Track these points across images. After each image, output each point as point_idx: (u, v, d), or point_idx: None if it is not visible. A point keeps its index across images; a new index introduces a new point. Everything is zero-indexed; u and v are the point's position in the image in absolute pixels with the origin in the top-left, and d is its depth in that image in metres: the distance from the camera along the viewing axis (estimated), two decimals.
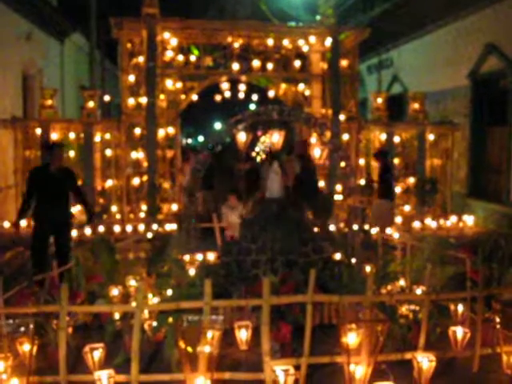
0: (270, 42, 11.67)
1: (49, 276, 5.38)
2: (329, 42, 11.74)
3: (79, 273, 5.50)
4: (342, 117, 11.65)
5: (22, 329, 4.48)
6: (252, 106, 20.49)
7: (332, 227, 9.78)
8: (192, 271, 5.98)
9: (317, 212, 9.37)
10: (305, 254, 6.32)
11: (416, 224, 11.33)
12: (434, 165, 12.32)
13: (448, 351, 4.85)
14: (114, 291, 5.46)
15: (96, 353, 4.44)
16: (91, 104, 11.37)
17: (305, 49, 11.95)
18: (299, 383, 4.28)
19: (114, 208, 11.30)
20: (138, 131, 11.29)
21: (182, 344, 4.07)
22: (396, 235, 8.75)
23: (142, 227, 10.55)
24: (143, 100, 11.16)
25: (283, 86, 12.18)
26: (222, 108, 19.69)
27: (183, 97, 11.59)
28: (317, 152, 11.31)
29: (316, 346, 4.54)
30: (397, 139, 12.17)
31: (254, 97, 12.19)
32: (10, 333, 4.49)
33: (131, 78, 11.31)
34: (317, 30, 11.82)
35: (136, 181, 11.29)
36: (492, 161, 12.46)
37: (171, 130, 11.55)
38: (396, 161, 12.20)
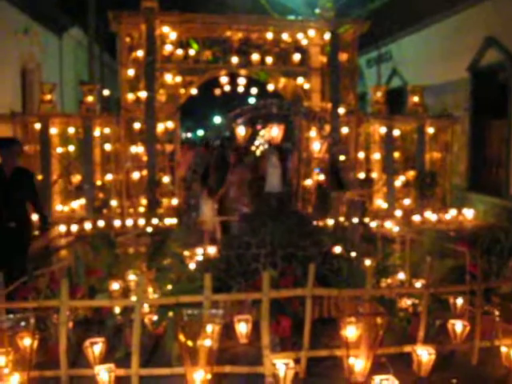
0: (270, 35, 11.67)
1: (48, 271, 5.39)
2: (328, 35, 11.75)
3: (79, 267, 5.50)
4: (341, 110, 11.65)
5: (23, 323, 4.48)
6: (251, 100, 20.45)
7: (331, 220, 9.74)
8: (192, 265, 5.99)
9: (316, 206, 9.39)
10: (304, 247, 6.25)
11: (416, 217, 11.35)
12: (433, 158, 12.35)
13: (447, 344, 4.85)
14: (115, 285, 5.45)
15: (96, 347, 4.43)
16: (90, 98, 11.38)
17: (304, 42, 11.94)
18: (299, 376, 4.31)
19: (113, 202, 11.30)
20: (137, 125, 11.29)
21: (182, 338, 4.08)
22: (395, 228, 8.77)
23: (142, 221, 10.57)
24: (142, 94, 11.17)
25: (282, 79, 12.20)
26: (221, 102, 19.68)
27: (182, 91, 11.59)
28: (316, 146, 11.31)
29: (316, 339, 4.54)
30: (396, 132, 12.17)
31: (254, 91, 12.19)
32: (10, 327, 4.50)
33: (130, 73, 11.30)
34: (316, 23, 11.83)
35: (136, 175, 11.30)
36: (492, 154, 12.46)
37: (170, 125, 11.55)
38: (396, 154, 12.22)
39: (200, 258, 6.70)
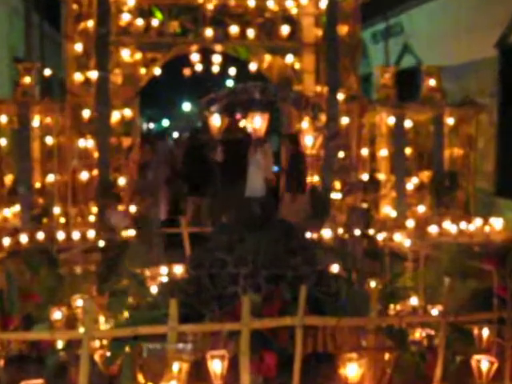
0: (252, 2, 11.68)
1: None
2: (324, 2, 11.73)
3: (12, 291, 5.45)
4: (340, 96, 11.60)
5: None
6: (229, 83, 20.51)
7: (328, 232, 9.76)
8: (154, 288, 6.01)
9: (310, 214, 9.44)
10: (294, 266, 6.28)
11: (432, 228, 11.34)
12: (453, 156, 12.38)
13: None
14: (57, 314, 5.42)
15: None
16: (27, 80, 11.21)
17: (294, 11, 11.96)
18: None
19: (56, 210, 11.13)
20: (86, 114, 11.20)
21: (141, 379, 4.07)
22: (407, 242, 8.81)
23: (91, 234, 10.35)
24: (93, 75, 11.08)
25: (267, 57, 12.20)
26: (191, 85, 19.69)
27: (143, 71, 11.58)
28: (309, 140, 11.30)
29: (308, 379, 4.54)
30: (408, 123, 12.18)
31: (232, 71, 12.24)
32: None
33: (78, 48, 11.25)
34: None
35: (84, 176, 11.21)
36: None
37: (128, 113, 11.51)
38: (407, 151, 12.25)
39: (164, 278, 6.72)
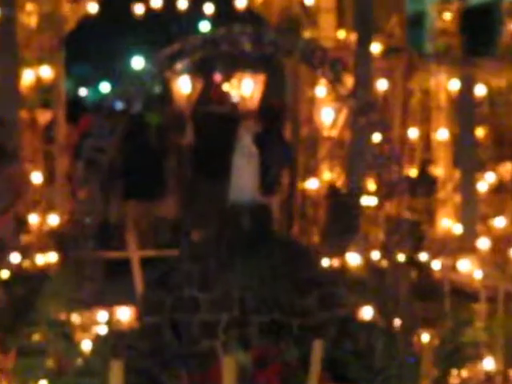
0: None
1: None
2: None
3: None
4: (375, 48, 11.75)
5: None
6: (204, 26, 20.49)
7: (356, 258, 9.88)
8: (87, 344, 6.01)
9: (328, 230, 9.43)
10: (303, 310, 6.37)
11: None
12: None
13: None
14: None
15: None
16: None
17: None
18: None
19: None
20: None
21: None
22: (478, 274, 8.84)
23: None
24: None
25: None
26: (145, 31, 19.69)
27: (70, 8, 11.59)
28: (327, 115, 11.49)
29: None
30: (480, 90, 12.30)
31: (208, 8, 12.22)
32: None
33: None
34: None
35: None
36: None
37: (47, 72, 11.52)
38: (479, 132, 12.35)
39: (103, 329, 6.74)
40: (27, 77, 11.34)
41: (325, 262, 7.99)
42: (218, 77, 14.11)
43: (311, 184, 11.73)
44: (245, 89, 10.55)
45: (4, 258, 10.21)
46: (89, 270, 6.28)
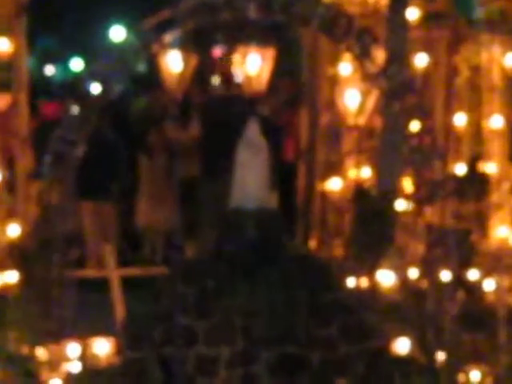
0: None
1: None
2: None
3: None
4: (412, 13, 11.65)
5: None
6: None
7: (389, 277, 9.71)
8: None
9: (354, 242, 9.33)
10: (325, 342, 6.48)
11: None
12: None
13: None
14: None
15: None
16: None
17: None
18: None
19: None
20: None
21: None
22: None
23: None
24: None
25: None
26: None
27: None
28: (352, 98, 11.22)
29: None
30: None
31: None
32: None
33: None
34: None
35: None
36: None
37: (4, 45, 11.53)
38: None
39: (75, 365, 6.93)
40: None
41: (350, 282, 8.14)
42: (217, 51, 14.26)
43: (333, 184, 11.87)
44: (250, 66, 10.58)
45: None
46: (57, 293, 6.28)
